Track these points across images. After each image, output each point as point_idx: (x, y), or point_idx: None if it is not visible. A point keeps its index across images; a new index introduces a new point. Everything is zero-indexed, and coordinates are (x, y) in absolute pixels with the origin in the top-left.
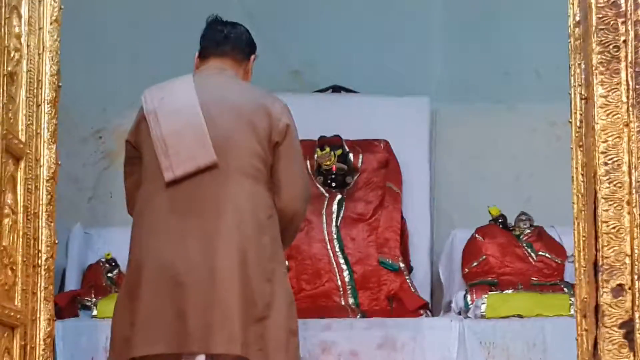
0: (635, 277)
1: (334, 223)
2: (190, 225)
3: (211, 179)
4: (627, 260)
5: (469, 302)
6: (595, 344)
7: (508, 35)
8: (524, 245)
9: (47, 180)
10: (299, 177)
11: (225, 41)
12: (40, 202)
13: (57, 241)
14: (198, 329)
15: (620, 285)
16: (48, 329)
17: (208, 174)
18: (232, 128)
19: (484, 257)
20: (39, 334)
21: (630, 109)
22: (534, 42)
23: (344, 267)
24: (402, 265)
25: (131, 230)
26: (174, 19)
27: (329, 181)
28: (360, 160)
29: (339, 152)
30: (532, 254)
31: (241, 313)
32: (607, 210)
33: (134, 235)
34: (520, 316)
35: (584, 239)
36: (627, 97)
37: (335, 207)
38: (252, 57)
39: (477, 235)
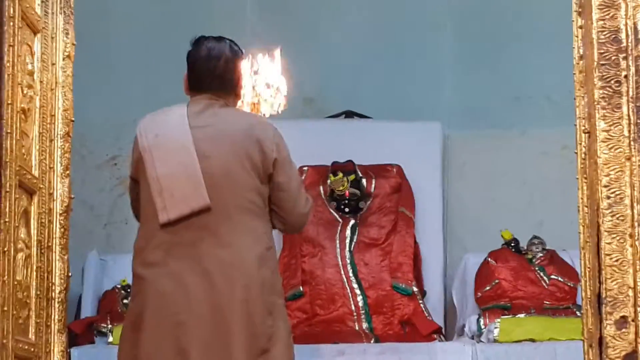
0: (639, 309)
1: (347, 248)
2: (190, 266)
3: (208, 219)
4: (630, 293)
5: (482, 326)
6: None
7: (518, 61)
8: (537, 269)
9: (61, 214)
10: (295, 200)
11: (215, 79)
12: (54, 236)
13: (70, 273)
14: None
15: (623, 317)
16: None
17: (204, 215)
18: (227, 165)
19: (496, 281)
20: None
21: (632, 143)
22: (544, 66)
23: (358, 292)
24: (415, 289)
25: (132, 263)
26: (187, 47)
27: (342, 206)
28: (373, 186)
29: (351, 177)
30: (545, 278)
31: (245, 349)
32: (610, 243)
33: (136, 272)
34: (532, 340)
35: (589, 270)
36: (629, 132)
37: (348, 232)
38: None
39: (489, 259)
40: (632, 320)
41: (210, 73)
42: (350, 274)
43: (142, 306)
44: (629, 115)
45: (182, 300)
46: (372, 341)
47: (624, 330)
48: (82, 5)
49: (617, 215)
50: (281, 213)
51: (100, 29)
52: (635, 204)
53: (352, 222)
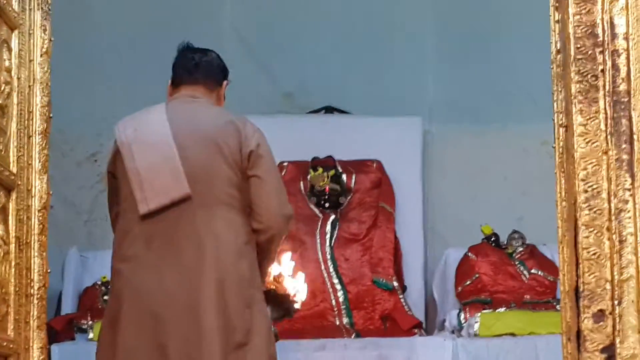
0: (616, 302)
1: (327, 243)
2: (167, 258)
3: (187, 211)
4: (608, 286)
5: (462, 321)
6: None
7: (499, 56)
8: (517, 263)
9: (39, 211)
10: (274, 197)
11: (197, 69)
12: (33, 232)
13: (50, 270)
14: None
15: (601, 310)
16: (41, 358)
17: (184, 206)
18: (205, 157)
19: (477, 275)
20: None
21: (609, 137)
22: (526, 63)
23: (338, 287)
24: (395, 284)
25: (111, 260)
26: (169, 44)
27: (322, 202)
28: (353, 181)
29: (332, 172)
30: (525, 272)
31: (221, 342)
32: (587, 237)
33: (114, 267)
34: (513, 334)
35: (567, 264)
36: (606, 126)
37: (329, 227)
38: (225, 83)
39: (470, 253)
40: (610, 314)
41: (193, 65)
42: (331, 269)
43: (120, 302)
44: (605, 109)
45: (159, 295)
46: (352, 336)
47: (601, 323)
48: (64, 2)
49: (595, 209)
50: (257, 210)
51: (81, 26)
52: (612, 198)
53: (332, 217)
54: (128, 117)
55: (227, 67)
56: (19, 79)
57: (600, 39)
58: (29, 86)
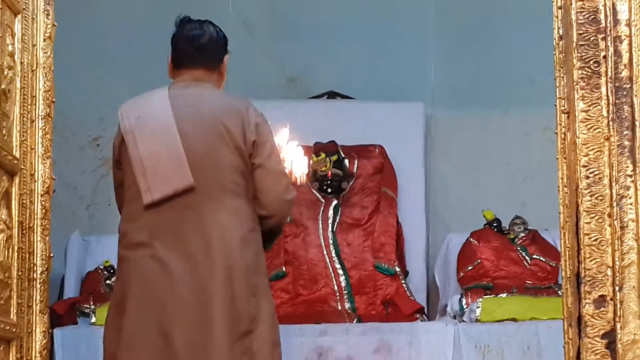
0: (617, 288)
1: (330, 228)
2: (173, 247)
3: (192, 200)
4: (609, 272)
5: (464, 306)
6: (579, 353)
7: (502, 42)
8: (519, 248)
9: (42, 195)
10: (277, 184)
11: (198, 53)
12: (35, 217)
13: (53, 254)
14: (184, 349)
15: (602, 296)
16: (44, 342)
17: (188, 195)
18: (209, 145)
19: (478, 260)
20: (35, 347)
21: (611, 123)
22: (528, 48)
23: (340, 272)
24: (397, 269)
25: (118, 246)
26: (172, 27)
27: (324, 187)
28: (355, 166)
29: (334, 158)
30: (527, 258)
31: (227, 331)
32: (588, 223)
33: (120, 254)
34: (514, 320)
35: (568, 249)
36: (608, 112)
37: (331, 212)
38: (225, 57)
39: (472, 239)
40: (611, 300)
41: (194, 48)
42: (333, 254)
43: (126, 288)
44: (607, 96)
45: (165, 283)
46: (354, 321)
47: (602, 309)
48: None
49: (596, 195)
50: (260, 197)
51: (85, 10)
52: (613, 184)
53: (334, 202)
54: (131, 101)
55: (225, 36)
56: (22, 63)
57: (603, 25)
58: (32, 71)
